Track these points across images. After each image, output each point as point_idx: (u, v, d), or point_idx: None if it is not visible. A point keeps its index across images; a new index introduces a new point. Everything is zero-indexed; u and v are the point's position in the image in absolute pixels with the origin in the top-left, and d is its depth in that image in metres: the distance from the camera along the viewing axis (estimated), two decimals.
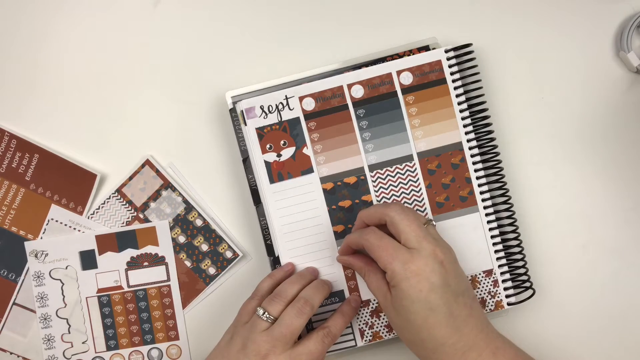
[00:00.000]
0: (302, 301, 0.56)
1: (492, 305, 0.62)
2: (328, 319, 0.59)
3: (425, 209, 0.62)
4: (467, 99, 0.63)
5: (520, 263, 0.62)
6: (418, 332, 0.53)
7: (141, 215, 0.65)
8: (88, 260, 0.64)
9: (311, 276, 0.61)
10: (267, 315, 0.56)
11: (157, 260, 0.65)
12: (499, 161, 0.63)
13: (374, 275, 0.56)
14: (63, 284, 0.64)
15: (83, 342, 0.64)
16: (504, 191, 0.63)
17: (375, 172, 0.62)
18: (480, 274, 0.62)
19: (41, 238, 0.64)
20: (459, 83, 0.62)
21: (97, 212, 0.65)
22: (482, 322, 0.54)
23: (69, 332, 0.64)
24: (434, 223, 0.59)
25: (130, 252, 0.64)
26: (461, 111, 0.62)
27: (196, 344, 0.65)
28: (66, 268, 0.64)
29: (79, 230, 0.65)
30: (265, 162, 0.62)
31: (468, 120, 0.62)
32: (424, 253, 0.53)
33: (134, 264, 0.64)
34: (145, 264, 0.64)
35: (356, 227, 0.59)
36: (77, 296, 0.64)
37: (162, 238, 0.65)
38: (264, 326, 0.55)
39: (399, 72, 0.62)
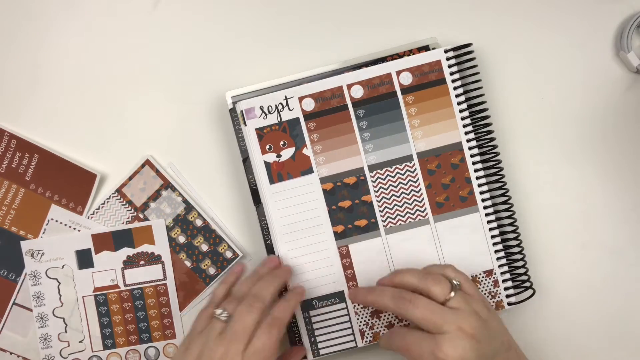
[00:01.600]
0: (251, 297, 0.55)
1: (492, 306, 0.62)
2: (273, 306, 0.57)
3: (425, 209, 0.62)
4: (467, 99, 0.63)
5: (520, 263, 0.62)
6: None
7: (141, 215, 0.65)
8: (84, 259, 0.64)
9: (267, 270, 0.60)
10: (224, 314, 0.54)
11: (153, 259, 0.64)
12: (499, 161, 0.63)
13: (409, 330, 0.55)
14: (59, 283, 0.64)
15: (80, 341, 0.64)
16: (504, 191, 0.63)
17: (375, 172, 0.62)
18: (480, 274, 0.62)
19: (41, 238, 0.64)
20: (458, 83, 0.62)
21: (97, 212, 0.65)
22: None
23: (66, 332, 0.64)
24: (457, 282, 0.55)
25: (126, 251, 0.64)
26: (461, 111, 0.62)
27: None
28: (62, 267, 0.64)
29: (78, 230, 0.65)
30: (265, 162, 0.62)
31: (468, 120, 0.62)
32: (449, 336, 0.51)
33: (130, 262, 0.64)
34: (142, 262, 0.64)
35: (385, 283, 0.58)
36: (74, 295, 0.64)
37: (158, 237, 0.64)
38: (219, 328, 0.54)
39: (398, 72, 0.62)
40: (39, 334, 0.64)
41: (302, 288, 0.61)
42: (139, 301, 0.64)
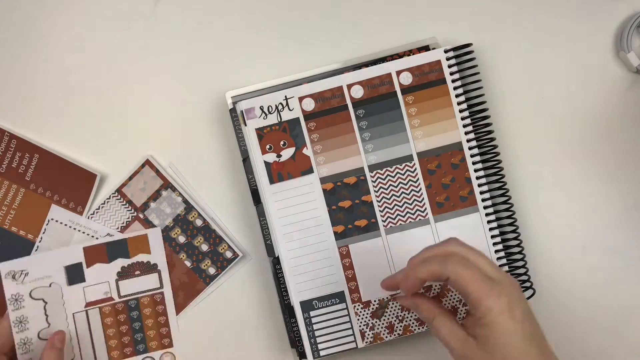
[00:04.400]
0: None
1: None
2: None
3: (426, 209, 0.62)
4: (467, 99, 0.63)
5: (520, 263, 0.62)
6: None
7: (141, 215, 0.65)
8: (75, 274, 0.62)
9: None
10: None
11: (149, 268, 0.64)
12: (499, 161, 0.63)
13: (447, 320, 0.51)
14: (46, 303, 0.61)
15: None
16: (504, 191, 0.63)
17: (375, 172, 0.62)
18: None
19: (41, 239, 0.64)
20: (458, 83, 0.62)
21: (97, 212, 0.65)
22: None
23: None
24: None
25: (120, 262, 0.63)
26: (461, 111, 0.62)
27: (190, 351, 0.65)
28: (50, 285, 0.61)
29: (79, 231, 0.64)
30: (265, 162, 0.62)
31: (468, 120, 0.62)
32: (506, 282, 0.49)
33: (124, 273, 0.63)
34: (137, 272, 0.64)
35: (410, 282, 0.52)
36: (63, 313, 0.62)
37: (154, 245, 0.64)
38: None
39: (398, 72, 0.62)
40: None
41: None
42: (134, 312, 0.64)
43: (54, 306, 0.62)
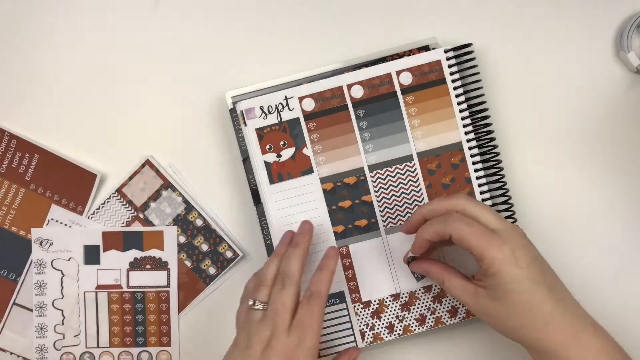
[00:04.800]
0: (279, 277, 0.55)
1: None
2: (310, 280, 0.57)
3: None
4: (467, 99, 0.63)
5: None
6: (526, 313, 0.51)
7: (141, 215, 0.65)
8: (91, 255, 0.64)
9: (284, 247, 0.58)
10: (258, 303, 0.54)
11: (160, 265, 0.64)
12: (499, 161, 0.63)
13: (456, 279, 0.55)
14: (63, 275, 0.64)
15: (75, 336, 0.64)
16: (504, 191, 0.63)
17: (375, 172, 0.62)
18: None
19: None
20: (458, 83, 0.62)
21: (97, 212, 0.65)
22: (570, 294, 0.53)
23: (63, 324, 0.64)
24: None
25: (134, 253, 0.64)
26: (461, 111, 0.62)
27: (189, 350, 0.65)
28: (69, 260, 0.64)
29: None
30: (265, 162, 0.62)
31: (468, 121, 0.62)
32: (509, 231, 0.52)
33: (136, 265, 0.64)
34: (148, 267, 0.64)
35: (413, 224, 0.56)
36: (76, 289, 0.64)
37: (168, 244, 0.64)
38: (259, 315, 0.54)
39: (398, 72, 0.62)
40: (35, 322, 0.64)
41: (334, 250, 0.58)
42: (139, 304, 0.64)
43: (69, 280, 0.64)
